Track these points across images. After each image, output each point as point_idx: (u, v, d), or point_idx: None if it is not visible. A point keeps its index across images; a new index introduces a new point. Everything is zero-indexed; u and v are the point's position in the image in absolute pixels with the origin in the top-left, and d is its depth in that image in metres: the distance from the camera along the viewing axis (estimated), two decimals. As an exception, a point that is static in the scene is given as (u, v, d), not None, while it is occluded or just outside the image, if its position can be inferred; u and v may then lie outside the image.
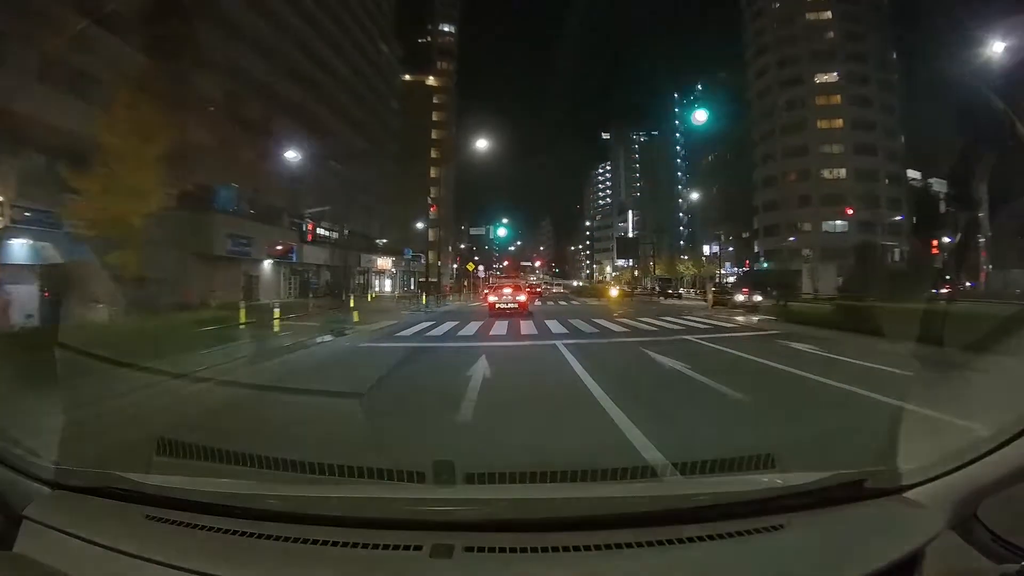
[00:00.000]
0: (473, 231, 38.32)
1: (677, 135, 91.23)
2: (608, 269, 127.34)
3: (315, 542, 1.45)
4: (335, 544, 1.44)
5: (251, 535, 1.51)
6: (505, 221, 36.16)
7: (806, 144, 58.68)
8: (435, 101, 73.63)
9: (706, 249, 71.21)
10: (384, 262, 48.53)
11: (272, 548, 1.46)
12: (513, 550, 1.40)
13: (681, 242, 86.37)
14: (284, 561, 1.42)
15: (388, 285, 50.50)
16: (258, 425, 5.02)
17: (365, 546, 1.43)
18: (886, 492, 1.59)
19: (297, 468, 2.48)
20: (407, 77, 69.50)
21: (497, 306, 22.30)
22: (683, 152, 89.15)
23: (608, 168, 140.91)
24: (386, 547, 1.42)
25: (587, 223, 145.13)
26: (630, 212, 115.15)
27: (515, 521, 1.53)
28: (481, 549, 1.40)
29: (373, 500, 1.79)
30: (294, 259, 36.45)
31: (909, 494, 1.55)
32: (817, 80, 58.99)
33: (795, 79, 59.31)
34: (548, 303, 34.63)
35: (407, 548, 1.41)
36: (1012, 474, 1.38)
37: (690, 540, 1.42)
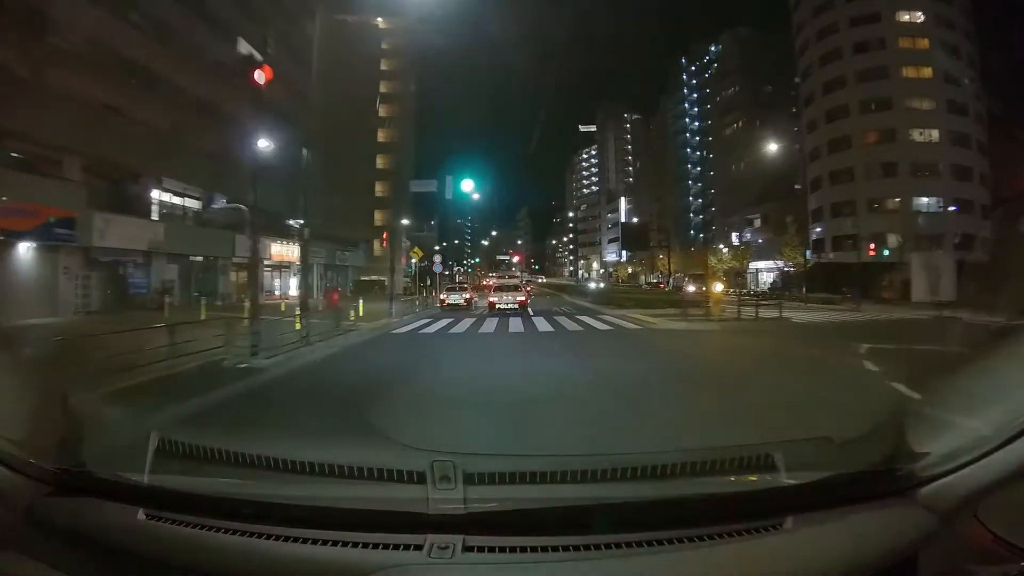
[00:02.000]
0: (417, 187, 20.66)
1: (686, 105, 75.88)
2: (595, 265, 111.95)
3: (315, 542, 1.43)
4: (335, 544, 1.42)
5: (251, 535, 1.49)
6: (471, 191, 18.18)
7: (890, 96, 43.90)
8: (384, 47, 55.85)
9: (734, 238, 55.90)
10: (284, 250, 31.12)
11: (272, 548, 1.44)
12: (513, 550, 1.39)
13: (691, 231, 71.11)
14: (284, 561, 1.40)
15: (293, 286, 33.07)
16: None
17: (365, 546, 1.41)
18: (886, 492, 1.57)
19: (297, 468, 2.28)
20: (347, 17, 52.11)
21: (497, 306, 21.00)
22: (697, 124, 73.80)
23: (594, 153, 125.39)
24: (386, 547, 1.40)
25: (570, 214, 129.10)
26: (622, 200, 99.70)
27: (515, 521, 1.53)
28: (481, 549, 1.39)
29: (373, 500, 1.74)
30: (76, 240, 19.10)
31: (909, 494, 1.53)
32: (899, 19, 44.49)
33: (871, 16, 44.70)
34: (562, 323, 16.55)
35: (407, 548, 1.39)
36: (1012, 474, 1.35)
37: (690, 540, 1.41)
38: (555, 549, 1.39)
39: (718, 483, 2.06)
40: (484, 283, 76.85)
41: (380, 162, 47.55)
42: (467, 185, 18.29)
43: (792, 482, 1.73)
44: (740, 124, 61.00)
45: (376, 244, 45.81)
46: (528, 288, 34.79)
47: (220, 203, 29.16)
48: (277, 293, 32.01)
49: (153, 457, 2.21)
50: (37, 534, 1.54)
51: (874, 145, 44.64)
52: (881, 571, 1.31)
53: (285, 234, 31.72)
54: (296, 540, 1.45)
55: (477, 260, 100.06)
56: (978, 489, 1.39)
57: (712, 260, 50.86)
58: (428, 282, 49.39)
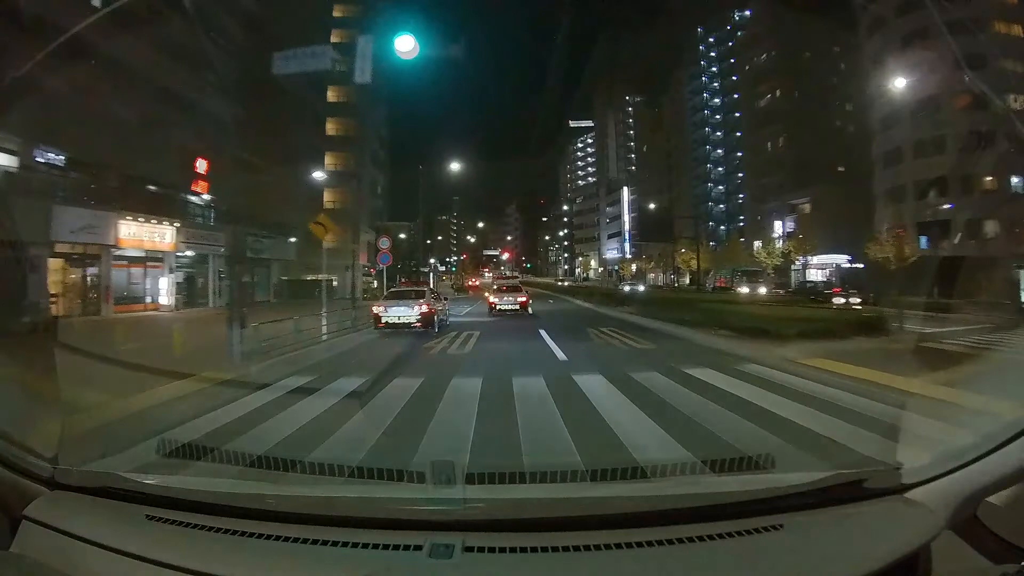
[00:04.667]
0: (287, 65, 8.44)
1: (704, 79, 65.68)
2: (594, 263, 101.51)
3: (315, 542, 1.43)
4: (335, 544, 1.41)
5: (251, 535, 1.48)
6: (409, 51, 7.34)
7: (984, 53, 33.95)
8: None
9: (777, 227, 45.70)
10: (146, 233, 19.88)
11: (272, 548, 1.43)
12: (513, 550, 1.38)
13: (711, 223, 60.83)
14: (284, 561, 1.39)
15: (164, 290, 21.73)
16: None
17: (365, 546, 1.40)
18: (886, 492, 1.56)
19: (297, 468, 2.37)
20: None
21: (498, 307, 19.03)
22: (718, 100, 63.57)
23: (591, 141, 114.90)
24: (386, 547, 1.39)
25: (565, 207, 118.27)
26: (625, 190, 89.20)
27: (515, 521, 1.52)
28: (481, 549, 1.38)
29: (373, 500, 1.76)
30: None
31: (909, 494, 1.52)
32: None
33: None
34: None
35: (407, 548, 1.38)
36: (1012, 474, 1.34)
37: (690, 540, 1.40)
38: (555, 549, 1.37)
39: (718, 483, 2.06)
40: (470, 283, 66.20)
41: (332, 127, 36.57)
42: (404, 45, 7.53)
43: (792, 482, 1.71)
44: (778, 93, 50.83)
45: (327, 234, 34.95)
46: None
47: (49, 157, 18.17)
48: (148, 300, 20.97)
49: (153, 457, 2.37)
50: (37, 534, 1.52)
51: (967, 110, 34.75)
52: (881, 571, 1.28)
53: (156, 209, 20.68)
54: (296, 540, 1.43)
55: (459, 258, 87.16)
56: (978, 489, 1.36)
57: (762, 254, 40.52)
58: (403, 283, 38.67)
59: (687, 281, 59.73)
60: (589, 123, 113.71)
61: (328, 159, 36.23)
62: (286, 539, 1.44)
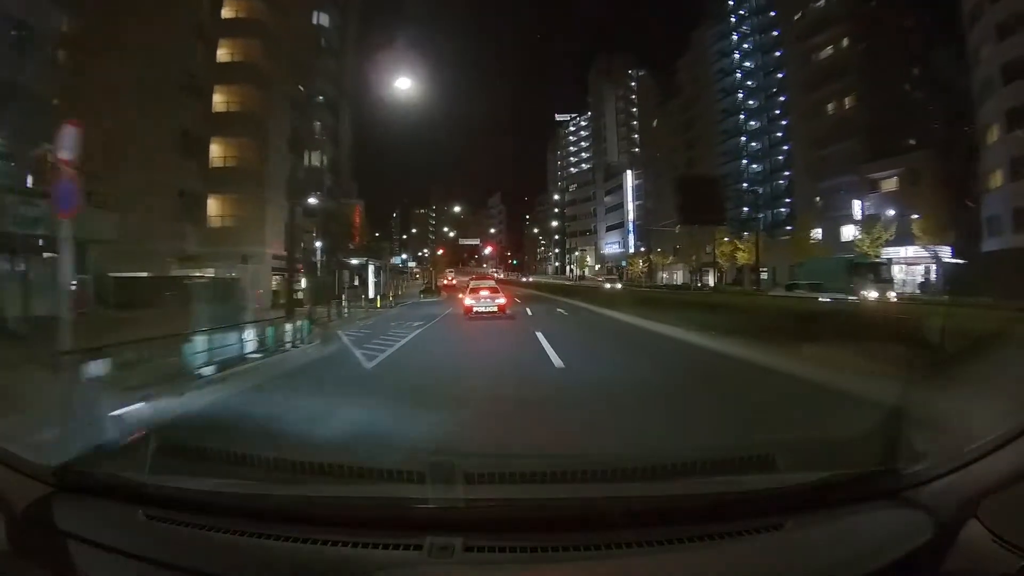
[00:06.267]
0: None
1: (735, 37, 54.29)
2: (590, 259, 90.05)
3: (315, 542, 1.41)
4: (335, 544, 1.40)
5: (251, 535, 1.47)
6: None
7: None
8: None
9: (856, 209, 34.47)
10: None
11: (272, 548, 1.42)
12: (513, 550, 1.37)
13: (745, 208, 49.35)
14: (284, 561, 1.39)
15: None
16: None
17: (365, 546, 1.39)
18: (886, 492, 1.55)
19: (297, 468, 2.36)
20: None
21: (475, 309, 17.61)
22: (750, 64, 52.18)
23: (583, 124, 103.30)
24: (386, 547, 1.38)
25: (555, 197, 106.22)
26: (629, 174, 77.70)
27: (515, 521, 1.51)
28: (481, 549, 1.37)
29: (373, 500, 1.74)
30: None
31: (909, 494, 1.50)
32: None
33: None
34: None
35: (407, 548, 1.37)
36: (1012, 474, 1.33)
37: (690, 540, 1.40)
38: (555, 549, 1.36)
39: (718, 483, 2.01)
40: (445, 282, 54.76)
41: (227, 52, 24.13)
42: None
43: (792, 482, 1.71)
44: (844, 43, 39.54)
45: (214, 204, 22.58)
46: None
47: None
48: None
49: (153, 457, 2.20)
50: (37, 534, 1.50)
51: None
52: (881, 571, 1.28)
53: None
54: (296, 540, 1.41)
55: (440, 252, 73.24)
56: (978, 489, 1.36)
57: (864, 243, 29.13)
58: (354, 282, 27.20)
59: (711, 281, 48.71)
60: (578, 115, 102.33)
61: (219, 95, 23.82)
62: (286, 539, 1.41)
